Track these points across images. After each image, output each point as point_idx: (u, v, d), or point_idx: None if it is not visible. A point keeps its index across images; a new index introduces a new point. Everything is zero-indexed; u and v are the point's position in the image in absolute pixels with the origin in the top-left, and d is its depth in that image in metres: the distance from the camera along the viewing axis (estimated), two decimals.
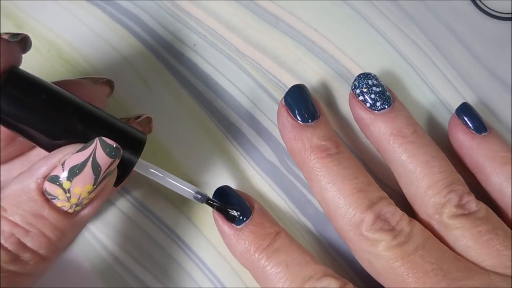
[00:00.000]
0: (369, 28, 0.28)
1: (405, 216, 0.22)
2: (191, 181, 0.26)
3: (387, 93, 0.25)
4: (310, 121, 0.24)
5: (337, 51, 0.28)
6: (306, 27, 0.28)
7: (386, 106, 0.24)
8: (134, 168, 0.21)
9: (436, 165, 0.23)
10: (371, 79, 0.25)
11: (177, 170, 0.27)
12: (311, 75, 0.28)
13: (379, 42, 0.28)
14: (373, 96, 0.24)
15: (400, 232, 0.22)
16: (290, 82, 0.28)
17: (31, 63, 0.28)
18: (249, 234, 0.23)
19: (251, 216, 0.23)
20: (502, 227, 0.22)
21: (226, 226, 0.23)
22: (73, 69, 0.28)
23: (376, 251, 0.22)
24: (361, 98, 0.25)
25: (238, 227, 0.23)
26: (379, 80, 0.25)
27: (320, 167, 0.23)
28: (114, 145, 0.19)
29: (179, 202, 0.26)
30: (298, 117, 0.24)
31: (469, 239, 0.22)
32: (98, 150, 0.19)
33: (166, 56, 0.28)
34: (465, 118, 0.25)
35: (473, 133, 0.25)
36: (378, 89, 0.25)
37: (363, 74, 0.25)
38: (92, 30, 0.28)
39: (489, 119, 0.27)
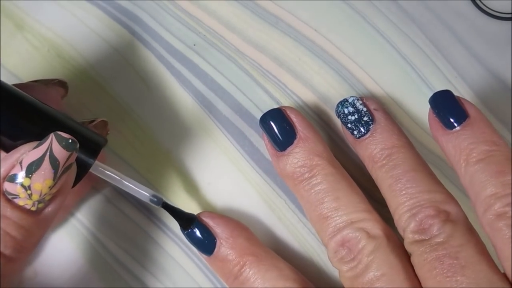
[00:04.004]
0: (369, 28, 0.28)
1: (369, 245, 0.22)
2: (192, 182, 0.26)
3: (364, 119, 0.24)
4: (284, 149, 0.24)
5: (337, 51, 0.28)
6: (306, 27, 0.28)
7: (363, 133, 0.24)
8: (92, 171, 0.21)
9: (397, 188, 0.22)
10: (347, 107, 0.24)
11: (177, 171, 0.27)
12: (311, 75, 0.28)
13: (379, 42, 0.28)
14: (349, 125, 0.24)
15: (358, 263, 0.22)
16: (290, 82, 0.28)
17: (31, 63, 0.28)
18: (217, 270, 0.24)
19: (214, 251, 0.24)
20: (454, 254, 0.20)
21: (204, 256, 0.24)
22: (73, 68, 0.28)
23: (340, 277, 0.23)
24: (343, 125, 0.25)
25: (208, 258, 0.24)
26: (357, 104, 0.24)
27: (296, 193, 0.24)
28: (70, 139, 0.19)
29: (179, 203, 0.26)
30: (275, 146, 0.24)
31: (417, 267, 0.21)
32: (55, 144, 0.19)
33: (166, 56, 0.28)
34: (437, 112, 0.23)
35: (444, 129, 0.22)
36: (353, 118, 0.24)
37: (341, 102, 0.25)
38: (92, 30, 0.28)
39: (489, 119, 0.27)
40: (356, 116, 0.24)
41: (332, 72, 0.28)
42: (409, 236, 0.22)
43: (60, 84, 0.26)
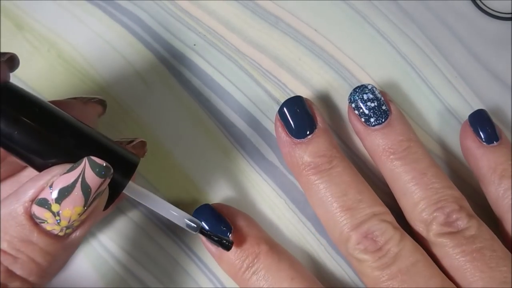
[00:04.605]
0: (369, 28, 0.28)
1: (396, 235, 0.22)
2: (192, 182, 0.26)
3: (383, 107, 0.24)
4: (303, 137, 0.24)
5: (337, 51, 0.28)
6: (306, 27, 0.28)
7: (381, 121, 0.24)
8: (125, 191, 0.20)
9: (423, 182, 0.23)
10: (366, 93, 0.24)
11: (177, 171, 0.27)
12: (311, 75, 0.28)
13: (379, 42, 0.28)
14: (367, 112, 0.24)
15: (386, 253, 0.22)
16: (290, 82, 0.28)
17: (31, 63, 0.28)
18: (228, 260, 0.24)
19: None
20: (491, 247, 0.22)
21: (211, 249, 0.24)
22: (72, 69, 0.28)
23: (361, 269, 0.23)
24: (356, 112, 0.24)
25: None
26: (376, 92, 0.24)
27: (310, 184, 0.24)
28: (104, 164, 0.18)
29: (179, 203, 0.26)
30: (292, 133, 0.24)
31: (452, 258, 0.22)
32: (87, 170, 0.18)
33: (166, 56, 0.28)
34: (476, 127, 0.25)
35: (481, 142, 0.24)
36: (373, 104, 0.24)
37: (359, 87, 0.24)
38: (92, 30, 0.28)
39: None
40: (375, 104, 0.24)
41: (332, 72, 0.28)
42: (436, 228, 0.22)
43: (99, 102, 0.25)
